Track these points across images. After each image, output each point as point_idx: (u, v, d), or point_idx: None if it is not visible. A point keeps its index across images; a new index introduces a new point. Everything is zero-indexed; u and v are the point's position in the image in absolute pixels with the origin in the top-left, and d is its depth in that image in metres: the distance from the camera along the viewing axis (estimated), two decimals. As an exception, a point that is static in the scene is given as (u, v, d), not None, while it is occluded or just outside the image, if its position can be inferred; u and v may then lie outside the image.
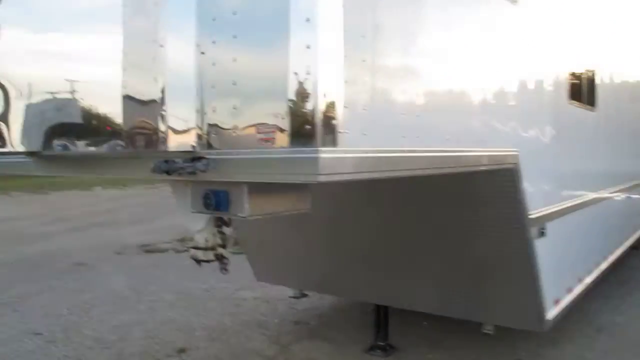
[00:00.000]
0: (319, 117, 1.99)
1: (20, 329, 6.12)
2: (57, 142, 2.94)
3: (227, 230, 3.47)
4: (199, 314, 6.48)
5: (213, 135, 2.34)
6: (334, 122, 2.05)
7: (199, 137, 2.38)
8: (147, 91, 2.46)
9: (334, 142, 2.04)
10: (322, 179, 1.95)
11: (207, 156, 2.32)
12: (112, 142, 2.62)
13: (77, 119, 2.80)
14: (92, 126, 2.78)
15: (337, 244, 4.87)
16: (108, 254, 10.13)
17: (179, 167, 2.37)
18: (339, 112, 2.08)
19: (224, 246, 3.56)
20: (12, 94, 3.15)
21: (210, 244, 3.50)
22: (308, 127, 2.00)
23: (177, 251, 10.05)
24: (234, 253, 3.55)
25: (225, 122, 2.30)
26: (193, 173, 2.34)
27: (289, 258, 5.37)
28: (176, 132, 2.41)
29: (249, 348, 5.48)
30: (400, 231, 4.39)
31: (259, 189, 2.32)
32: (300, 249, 5.11)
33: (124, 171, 2.88)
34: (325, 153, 1.97)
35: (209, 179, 2.35)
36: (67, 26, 2.98)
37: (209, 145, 2.36)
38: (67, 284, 8.00)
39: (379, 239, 4.56)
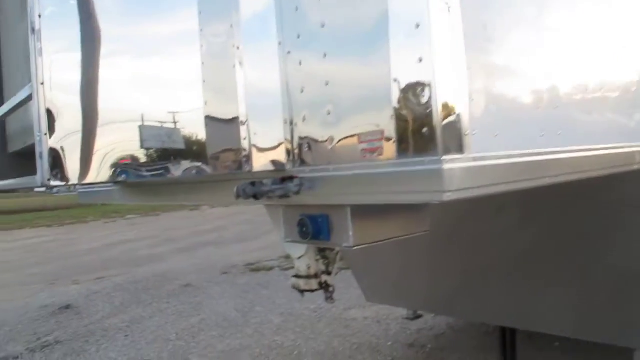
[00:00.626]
0: (438, 115, 1.50)
1: (132, 356, 6.01)
2: (137, 171, 2.65)
3: (331, 255, 3.05)
4: (308, 338, 6.10)
5: (305, 150, 1.92)
6: (458, 121, 1.55)
7: (289, 153, 1.97)
8: (228, 108, 2.07)
9: (460, 148, 1.55)
10: (449, 197, 1.47)
11: (300, 175, 1.90)
12: (194, 166, 2.26)
13: (157, 144, 2.48)
14: (175, 152, 2.45)
15: (457, 260, 4.31)
16: (214, 274, 10.03)
17: (267, 191, 1.96)
18: (463, 108, 1.58)
19: (328, 273, 3.15)
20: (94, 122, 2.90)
21: (312, 272, 3.10)
22: (425, 129, 1.51)
23: (283, 269, 9.78)
24: (340, 269, 3.11)
25: (319, 132, 1.87)
26: (285, 196, 1.93)
27: (402, 276, 4.85)
28: (261, 149, 2.00)
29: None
30: (532, 245, 3.78)
31: (366, 211, 1.86)
32: (414, 267, 4.59)
33: (209, 197, 2.52)
34: (452, 162, 1.49)
35: (303, 203, 1.93)
36: (146, 53, 2.69)
37: (302, 162, 1.94)
38: (175, 306, 7.90)
39: (505, 254, 3.96)
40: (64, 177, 2.08)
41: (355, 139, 1.72)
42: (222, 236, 15.54)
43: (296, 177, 1.89)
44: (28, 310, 8.33)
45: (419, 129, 1.53)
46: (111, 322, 7.34)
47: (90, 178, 2.75)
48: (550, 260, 3.82)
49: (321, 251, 3.07)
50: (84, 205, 24.39)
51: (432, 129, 1.50)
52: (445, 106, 1.52)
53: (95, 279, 10.31)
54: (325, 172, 1.82)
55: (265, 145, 1.99)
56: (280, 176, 1.94)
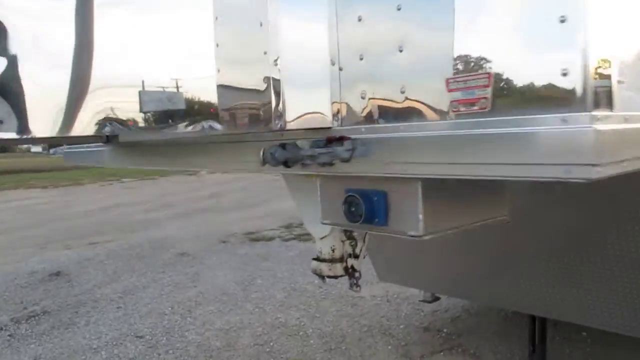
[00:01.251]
0: (581, 51, 0.98)
1: (123, 331, 5.55)
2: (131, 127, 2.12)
3: (359, 235, 2.56)
4: (313, 316, 5.65)
5: (360, 102, 1.39)
6: (606, 65, 1.03)
7: (336, 106, 1.45)
8: (248, 40, 1.53)
9: (609, 102, 1.03)
10: (599, 173, 0.95)
11: (352, 135, 1.38)
12: (204, 124, 1.73)
13: (155, 100, 1.95)
14: (174, 106, 1.93)
15: (486, 242, 3.80)
16: (212, 242, 9.55)
17: (305, 155, 1.45)
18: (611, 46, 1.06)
19: (355, 256, 2.67)
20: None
21: (337, 255, 2.61)
22: (563, 69, 0.99)
23: (284, 239, 9.33)
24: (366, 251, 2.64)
25: (382, 76, 1.34)
26: (328, 164, 1.42)
27: (422, 255, 4.35)
28: (298, 101, 1.48)
29: (373, 362, 4.57)
30: (576, 230, 3.28)
31: (441, 190, 1.36)
32: (437, 245, 4.08)
33: (218, 162, 2.00)
34: (603, 122, 0.97)
35: (355, 173, 1.42)
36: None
37: (354, 118, 1.42)
38: (171, 277, 7.43)
39: (541, 239, 3.46)
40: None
41: (440, 85, 1.20)
42: (220, 202, 15.03)
43: (347, 139, 1.38)
44: (17, 276, 7.86)
45: (554, 71, 1.01)
46: (103, 292, 6.88)
47: (75, 132, 2.22)
48: (587, 249, 3.33)
49: (348, 230, 2.59)
50: (81, 167, 23.80)
51: (576, 71, 0.98)
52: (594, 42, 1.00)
53: (88, 244, 9.83)
54: (390, 133, 1.30)
55: (303, 93, 1.46)
56: (325, 137, 1.42)
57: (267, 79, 1.46)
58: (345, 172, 1.45)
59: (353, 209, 1.54)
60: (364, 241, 2.59)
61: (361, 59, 1.39)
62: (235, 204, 14.47)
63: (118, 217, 13.27)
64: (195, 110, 1.77)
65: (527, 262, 3.70)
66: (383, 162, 1.35)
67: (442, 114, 1.19)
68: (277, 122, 1.45)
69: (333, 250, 2.56)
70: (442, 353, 4.67)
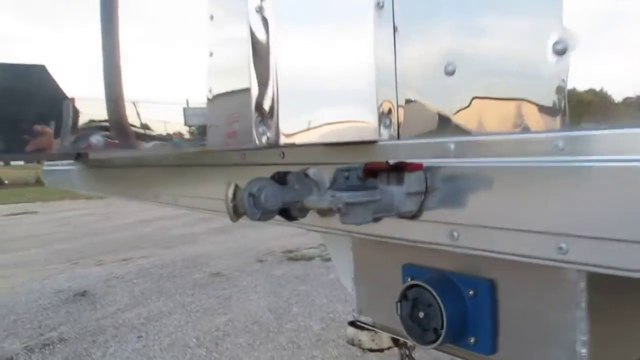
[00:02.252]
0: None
1: (141, 366, 4.88)
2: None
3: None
4: (353, 355, 4.85)
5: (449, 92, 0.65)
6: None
7: (388, 106, 0.71)
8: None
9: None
10: None
11: (426, 162, 0.64)
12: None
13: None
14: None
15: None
16: (248, 261, 8.86)
17: (321, 200, 0.70)
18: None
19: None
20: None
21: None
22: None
23: (324, 259, 8.56)
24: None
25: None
26: (372, 219, 0.66)
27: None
28: (304, 91, 0.73)
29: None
30: None
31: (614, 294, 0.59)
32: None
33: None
34: None
35: (425, 242, 0.67)
36: None
37: (428, 126, 0.70)
38: (200, 301, 6.76)
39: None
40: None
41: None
42: (260, 217, 14.38)
43: (415, 168, 0.63)
44: (41, 294, 7.35)
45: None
46: (126, 317, 6.24)
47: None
48: None
49: None
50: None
51: None
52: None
53: (120, 260, 9.29)
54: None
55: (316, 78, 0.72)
56: (364, 164, 0.68)
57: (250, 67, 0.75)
58: (404, 239, 0.72)
59: (419, 315, 0.80)
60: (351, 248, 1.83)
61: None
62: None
63: (156, 231, 12.76)
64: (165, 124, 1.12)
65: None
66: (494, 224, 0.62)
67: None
68: (261, 128, 0.72)
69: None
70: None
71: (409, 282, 0.91)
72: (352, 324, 2.02)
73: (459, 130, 0.83)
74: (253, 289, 7.19)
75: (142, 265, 8.85)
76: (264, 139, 0.81)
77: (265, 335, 5.48)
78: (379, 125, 0.95)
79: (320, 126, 0.87)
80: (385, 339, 1.88)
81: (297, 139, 0.84)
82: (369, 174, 0.85)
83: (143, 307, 6.62)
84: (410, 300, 0.90)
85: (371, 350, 1.86)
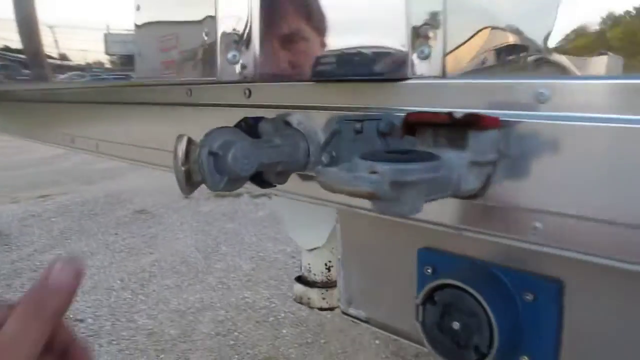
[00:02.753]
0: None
1: (62, 310, 4.56)
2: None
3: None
4: (285, 295, 4.73)
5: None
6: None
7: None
8: None
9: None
10: None
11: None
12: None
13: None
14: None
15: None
16: (175, 197, 8.50)
17: (343, 184, 0.46)
18: None
19: None
20: None
21: (334, 276, 1.68)
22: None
23: (253, 196, 8.33)
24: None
25: None
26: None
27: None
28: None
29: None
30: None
31: None
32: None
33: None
34: None
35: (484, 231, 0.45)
36: None
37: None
38: (125, 240, 6.42)
39: None
40: None
41: None
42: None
43: (492, 123, 0.39)
44: (-50, 235, 6.77)
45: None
46: (44, 259, 5.84)
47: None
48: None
49: None
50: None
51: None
52: None
53: (37, 197, 8.70)
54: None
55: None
56: (408, 114, 0.44)
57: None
58: (442, 224, 0.49)
59: (454, 326, 0.58)
60: (337, 221, 1.64)
61: None
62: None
63: (76, 165, 12.06)
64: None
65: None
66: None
67: None
68: (231, 54, 0.47)
69: (329, 269, 1.64)
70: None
71: (440, 281, 0.68)
72: (300, 279, 1.84)
73: (554, 67, 0.59)
74: (180, 227, 6.90)
75: (62, 202, 8.33)
76: (236, 69, 0.56)
77: (194, 276, 5.27)
78: (411, 54, 0.67)
79: (318, 55, 0.62)
80: (337, 296, 1.70)
81: (283, 70, 0.59)
82: (409, 130, 0.60)
83: (63, 247, 6.23)
84: (439, 305, 0.68)
85: (321, 309, 1.68)
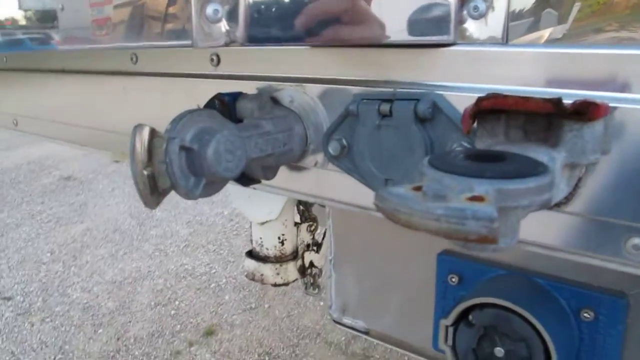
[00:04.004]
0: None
1: (-14, 288, 4.19)
2: None
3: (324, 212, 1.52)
4: (225, 260, 4.54)
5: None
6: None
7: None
8: None
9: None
10: None
11: None
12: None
13: None
14: None
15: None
16: (103, 161, 8.00)
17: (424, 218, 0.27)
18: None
19: (317, 245, 1.61)
20: None
21: (289, 249, 1.51)
22: None
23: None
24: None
25: None
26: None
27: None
28: None
29: (288, 326, 3.58)
30: None
31: None
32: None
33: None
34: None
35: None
36: None
37: None
38: (52, 209, 5.98)
39: None
40: None
41: None
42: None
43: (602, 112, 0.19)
44: None
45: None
46: (-36, 233, 5.35)
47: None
48: None
49: (304, 209, 1.52)
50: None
51: None
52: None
53: (-48, 166, 7.99)
54: None
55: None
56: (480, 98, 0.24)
57: None
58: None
59: (497, 353, 0.41)
60: (329, 218, 1.46)
61: None
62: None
63: (-7, 130, 11.17)
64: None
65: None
66: None
67: None
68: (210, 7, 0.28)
69: (282, 242, 1.46)
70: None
71: (479, 299, 0.50)
72: (250, 254, 1.64)
73: None
74: (110, 193, 6.51)
75: (-20, 170, 7.69)
76: (221, 28, 0.35)
77: (129, 244, 4.97)
78: (458, 9, 0.46)
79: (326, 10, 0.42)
80: (291, 270, 1.53)
81: (283, 35, 0.39)
82: (475, 119, 0.41)
83: (-16, 219, 5.73)
84: (477, 327, 0.51)
85: (275, 284, 1.50)
